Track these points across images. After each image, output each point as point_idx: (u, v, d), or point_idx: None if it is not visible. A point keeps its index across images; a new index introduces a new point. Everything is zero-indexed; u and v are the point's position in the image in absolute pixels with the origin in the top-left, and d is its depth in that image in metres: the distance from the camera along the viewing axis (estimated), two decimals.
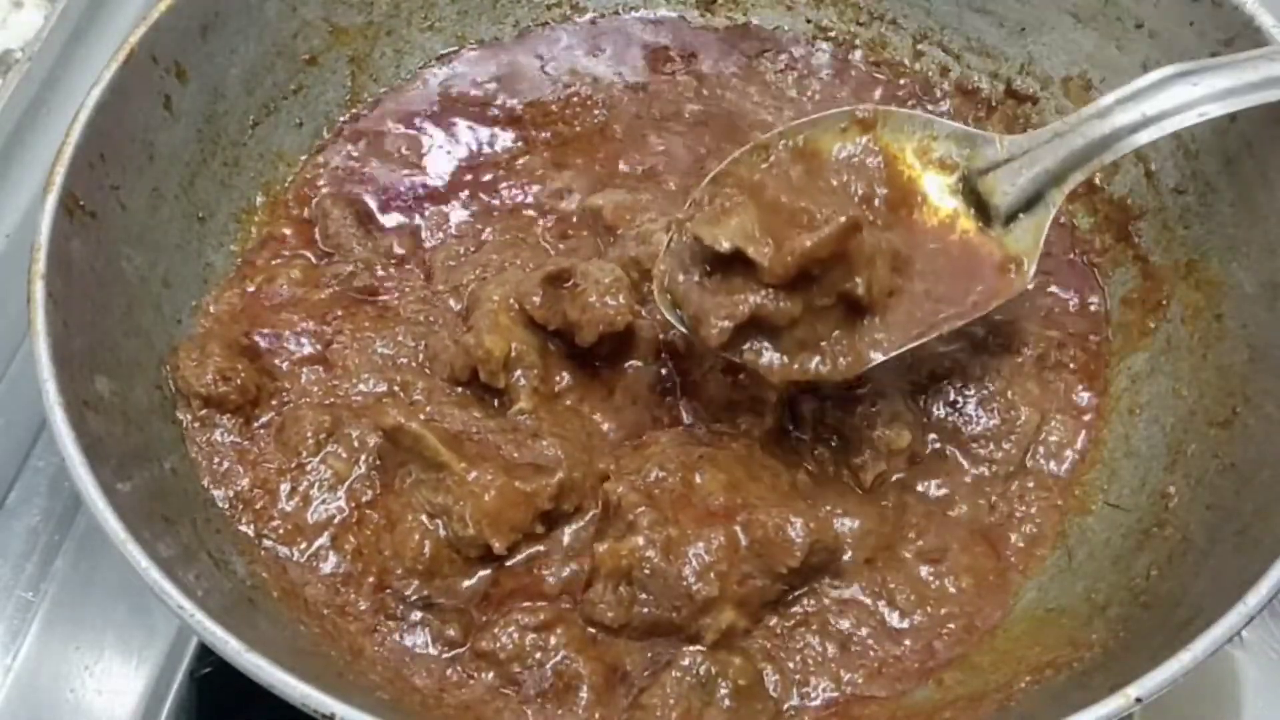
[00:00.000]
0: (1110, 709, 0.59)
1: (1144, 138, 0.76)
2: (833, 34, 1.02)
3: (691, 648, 0.73)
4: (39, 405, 0.67)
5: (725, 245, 0.71)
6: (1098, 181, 0.91)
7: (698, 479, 0.76)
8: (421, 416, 0.77)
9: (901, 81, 1.00)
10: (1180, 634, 0.62)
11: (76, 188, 0.75)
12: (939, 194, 0.81)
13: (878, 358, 0.74)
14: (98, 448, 0.67)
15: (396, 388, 0.82)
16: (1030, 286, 0.79)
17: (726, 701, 0.71)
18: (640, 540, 0.72)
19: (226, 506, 0.77)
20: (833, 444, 0.81)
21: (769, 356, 0.73)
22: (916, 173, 0.80)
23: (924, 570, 0.78)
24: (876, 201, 0.79)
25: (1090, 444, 0.84)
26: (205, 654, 0.80)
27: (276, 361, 0.83)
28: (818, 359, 0.74)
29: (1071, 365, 0.86)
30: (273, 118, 0.92)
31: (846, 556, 0.77)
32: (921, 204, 0.80)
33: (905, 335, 0.75)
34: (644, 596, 0.72)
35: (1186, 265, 0.85)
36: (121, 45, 0.80)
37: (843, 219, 0.70)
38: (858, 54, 1.02)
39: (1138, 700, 0.59)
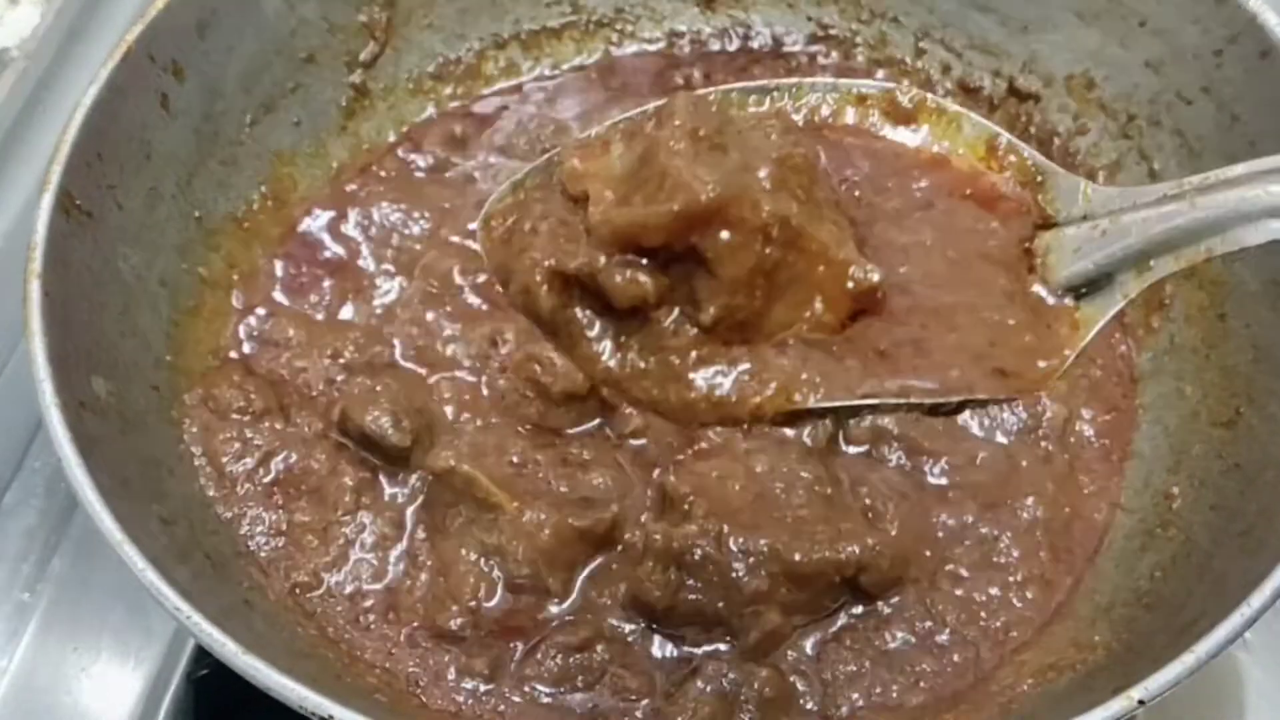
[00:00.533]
0: (1113, 711, 0.59)
1: (1223, 245, 0.59)
2: (834, 32, 1.02)
3: (723, 648, 0.72)
4: (35, 406, 0.66)
5: (575, 187, 0.66)
6: (1100, 180, 0.91)
7: (751, 484, 0.75)
8: (467, 451, 0.76)
9: (905, 83, 1.00)
10: (1184, 636, 0.62)
11: (73, 187, 0.74)
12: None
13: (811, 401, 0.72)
14: (94, 448, 0.67)
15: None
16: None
17: (750, 713, 0.70)
18: (694, 528, 0.72)
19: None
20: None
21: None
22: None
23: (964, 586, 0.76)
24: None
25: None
26: (202, 656, 0.79)
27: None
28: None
29: (1099, 360, 0.85)
30: (271, 116, 0.92)
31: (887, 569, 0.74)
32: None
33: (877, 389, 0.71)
34: (692, 583, 0.72)
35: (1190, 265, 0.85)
36: (118, 43, 0.79)
37: (692, 198, 0.65)
38: (859, 53, 1.01)
39: (1141, 702, 0.59)
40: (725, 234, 0.69)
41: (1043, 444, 0.81)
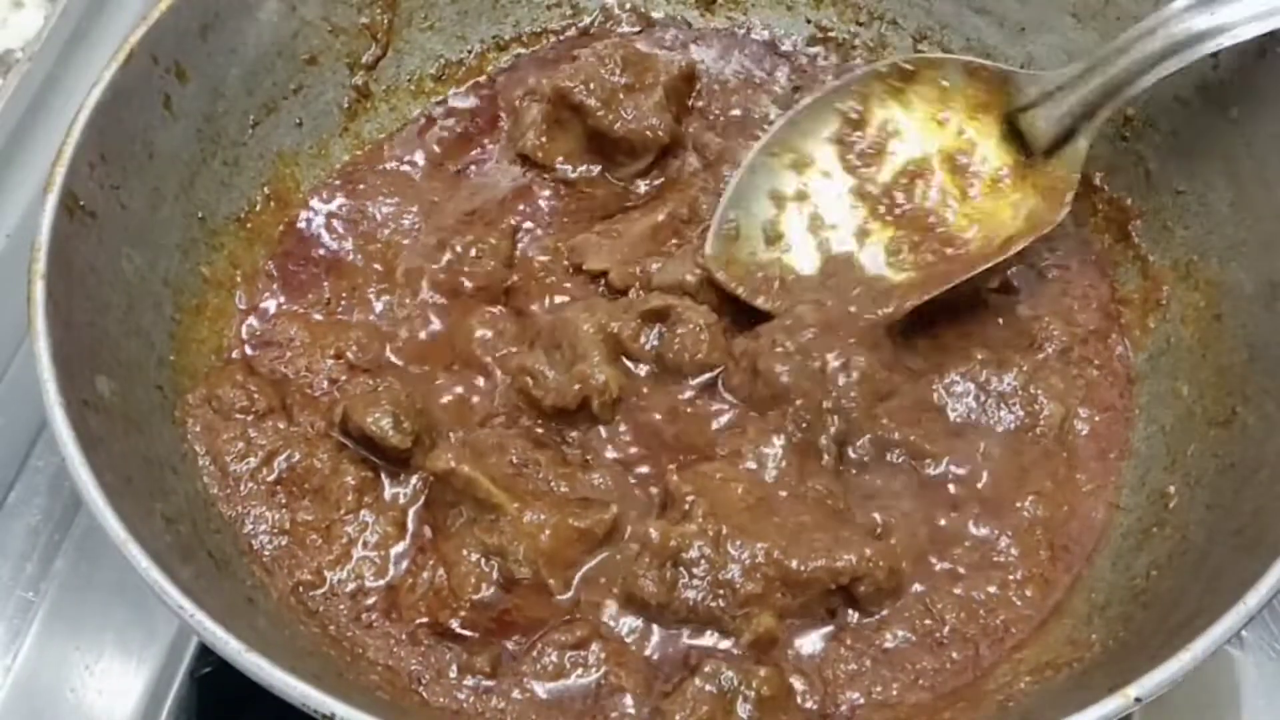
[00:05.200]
0: (1110, 709, 0.59)
1: (1169, 67, 0.78)
2: (833, 34, 1.02)
3: (723, 645, 0.73)
4: (39, 405, 0.67)
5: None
6: (1097, 182, 0.91)
7: (754, 489, 0.76)
8: (467, 453, 0.77)
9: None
10: (1180, 634, 0.62)
11: (77, 187, 0.75)
12: (981, 136, 0.87)
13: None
14: (98, 447, 0.67)
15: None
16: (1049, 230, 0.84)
17: (748, 711, 0.70)
18: (693, 527, 0.73)
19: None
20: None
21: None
22: (961, 117, 0.87)
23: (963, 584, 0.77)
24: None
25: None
26: (205, 654, 0.80)
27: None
28: None
29: (1096, 360, 0.86)
30: (273, 117, 0.92)
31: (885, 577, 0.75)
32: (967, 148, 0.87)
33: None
34: (688, 580, 0.72)
35: (1186, 265, 0.85)
36: (121, 45, 0.80)
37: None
38: (857, 55, 1.02)
39: (1137, 700, 0.59)
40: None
41: (1041, 443, 0.82)
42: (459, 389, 0.84)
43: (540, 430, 0.82)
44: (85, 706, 0.78)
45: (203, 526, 0.74)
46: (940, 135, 0.89)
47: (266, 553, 0.76)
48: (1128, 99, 0.81)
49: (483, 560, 0.75)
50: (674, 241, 0.89)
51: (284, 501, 0.78)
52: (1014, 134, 0.87)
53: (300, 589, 0.75)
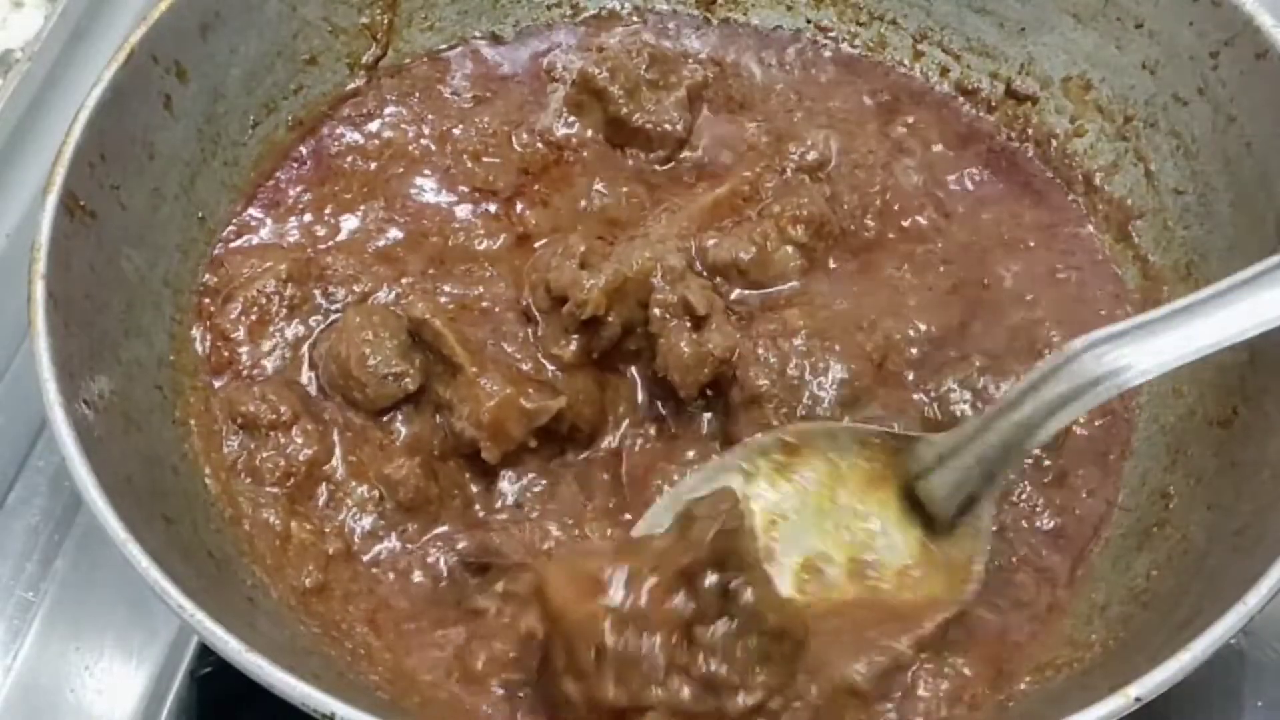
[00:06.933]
0: (1110, 709, 0.59)
1: (1063, 419, 0.69)
2: (832, 34, 1.02)
3: None
4: (39, 405, 0.67)
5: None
6: (1097, 182, 0.91)
7: None
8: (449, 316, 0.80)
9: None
10: (1180, 634, 0.62)
11: (77, 187, 0.75)
12: (879, 512, 0.77)
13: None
14: (98, 447, 0.67)
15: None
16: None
17: None
18: None
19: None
20: None
21: None
22: (853, 491, 0.77)
23: None
24: None
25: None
26: (205, 654, 0.80)
27: None
28: None
29: None
30: (273, 117, 0.92)
31: None
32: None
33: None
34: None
35: (1186, 265, 0.85)
36: (121, 45, 0.80)
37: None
38: (857, 54, 1.02)
39: (1138, 700, 0.59)
40: None
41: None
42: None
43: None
44: (85, 706, 0.78)
45: (203, 526, 0.74)
46: (834, 515, 0.78)
47: (266, 552, 0.76)
48: (1026, 456, 0.74)
49: (436, 417, 0.78)
50: (731, 219, 0.89)
51: (284, 500, 0.78)
52: (913, 503, 0.76)
53: (300, 588, 0.75)
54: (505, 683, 0.71)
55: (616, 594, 0.64)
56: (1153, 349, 0.68)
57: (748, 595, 0.65)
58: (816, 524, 0.77)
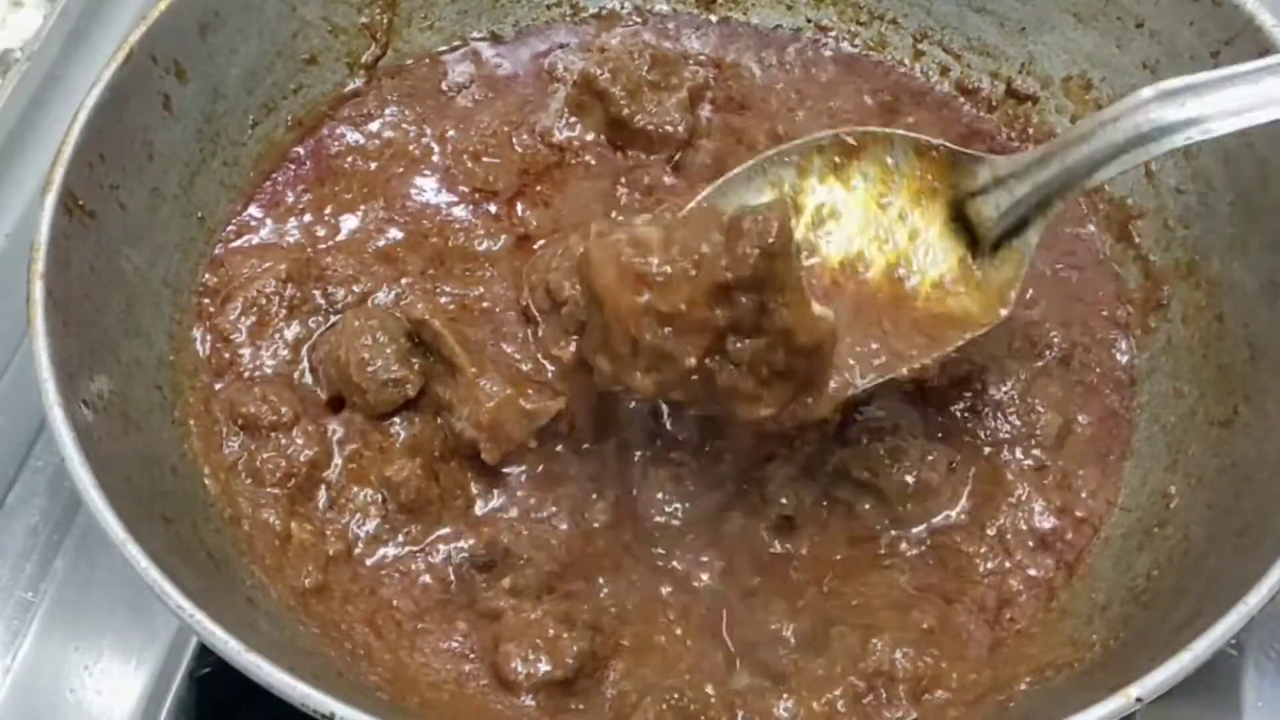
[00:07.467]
0: (1111, 709, 0.59)
1: (1133, 159, 0.71)
2: (833, 33, 1.02)
3: None
4: (38, 405, 0.67)
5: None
6: None
7: None
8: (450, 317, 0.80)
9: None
10: (1181, 634, 0.62)
11: (76, 187, 0.75)
12: (925, 223, 0.78)
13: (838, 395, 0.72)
14: (97, 447, 0.67)
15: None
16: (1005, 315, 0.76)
17: None
18: None
19: None
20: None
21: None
22: (904, 202, 0.78)
23: None
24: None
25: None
26: (205, 654, 0.79)
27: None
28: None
29: (1097, 367, 0.85)
30: (273, 117, 0.92)
31: None
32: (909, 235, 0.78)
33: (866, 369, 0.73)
34: None
35: (1187, 265, 0.85)
36: (121, 45, 0.80)
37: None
38: (857, 53, 1.02)
39: (1138, 700, 0.59)
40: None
41: (1038, 445, 0.82)
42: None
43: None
44: (84, 706, 0.78)
45: (202, 526, 0.74)
46: (881, 220, 0.79)
47: (266, 552, 0.76)
48: (1084, 191, 0.75)
49: (439, 420, 0.79)
50: None
51: (283, 500, 0.78)
52: (960, 221, 0.78)
53: (299, 588, 0.75)
54: (536, 686, 0.71)
55: (657, 295, 0.65)
56: (1225, 104, 0.68)
57: (784, 316, 0.65)
58: (861, 227, 0.78)
